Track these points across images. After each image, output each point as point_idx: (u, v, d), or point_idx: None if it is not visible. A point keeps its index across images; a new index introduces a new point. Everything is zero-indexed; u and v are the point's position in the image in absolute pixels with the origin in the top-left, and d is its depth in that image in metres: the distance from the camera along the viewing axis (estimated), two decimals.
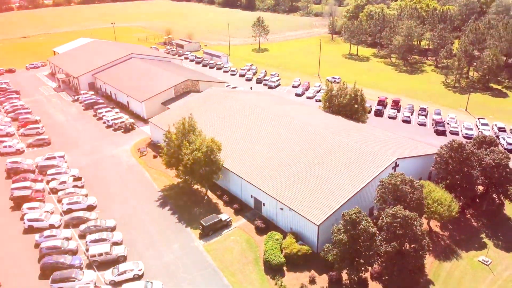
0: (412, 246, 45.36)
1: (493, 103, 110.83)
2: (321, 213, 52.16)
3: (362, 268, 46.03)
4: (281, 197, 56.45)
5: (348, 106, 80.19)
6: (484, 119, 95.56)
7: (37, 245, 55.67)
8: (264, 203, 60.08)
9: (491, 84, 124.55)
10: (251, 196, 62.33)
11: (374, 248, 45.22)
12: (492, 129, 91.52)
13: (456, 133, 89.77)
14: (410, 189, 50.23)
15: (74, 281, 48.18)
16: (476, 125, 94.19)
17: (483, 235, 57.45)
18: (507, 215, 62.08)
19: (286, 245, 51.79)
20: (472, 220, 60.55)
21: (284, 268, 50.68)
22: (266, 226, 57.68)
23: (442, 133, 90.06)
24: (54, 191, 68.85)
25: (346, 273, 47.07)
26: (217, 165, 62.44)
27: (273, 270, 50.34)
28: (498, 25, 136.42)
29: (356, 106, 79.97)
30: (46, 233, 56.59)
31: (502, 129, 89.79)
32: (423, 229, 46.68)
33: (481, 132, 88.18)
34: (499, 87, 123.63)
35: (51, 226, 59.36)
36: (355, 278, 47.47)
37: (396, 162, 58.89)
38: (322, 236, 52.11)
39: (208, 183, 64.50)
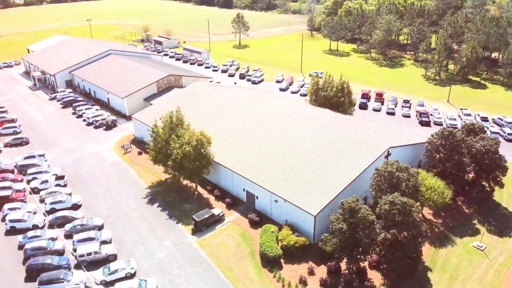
0: (409, 233, 44.99)
1: (473, 94, 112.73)
2: (317, 204, 51.33)
3: (362, 257, 45.43)
4: (275, 189, 55.30)
5: (334, 99, 79.87)
6: (466, 109, 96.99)
7: (21, 247, 52.92)
8: (257, 196, 58.82)
9: (470, 76, 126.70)
10: (244, 190, 60.94)
11: (373, 236, 44.66)
12: (475, 119, 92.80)
13: (440, 124, 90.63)
14: (407, 176, 49.98)
15: (63, 282, 45.85)
16: (459, 116, 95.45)
17: (475, 221, 57.84)
18: (496, 201, 62.79)
19: (282, 237, 50.72)
20: (464, 207, 60.92)
21: (282, 260, 49.61)
22: (260, 219, 56.45)
23: (426, 124, 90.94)
24: (35, 190, 65.84)
25: (345, 262, 46.41)
26: (208, 159, 60.76)
27: (270, 263, 49.19)
28: (476, 18, 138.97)
29: (342, 98, 79.76)
30: (30, 234, 53.87)
31: (484, 119, 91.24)
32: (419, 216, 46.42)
33: (464, 122, 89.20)
34: (478, 79, 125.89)
35: (35, 227, 56.58)
36: (354, 267, 46.97)
37: (388, 151, 58.70)
38: (318, 226, 51.31)
39: (198, 178, 62.64)
